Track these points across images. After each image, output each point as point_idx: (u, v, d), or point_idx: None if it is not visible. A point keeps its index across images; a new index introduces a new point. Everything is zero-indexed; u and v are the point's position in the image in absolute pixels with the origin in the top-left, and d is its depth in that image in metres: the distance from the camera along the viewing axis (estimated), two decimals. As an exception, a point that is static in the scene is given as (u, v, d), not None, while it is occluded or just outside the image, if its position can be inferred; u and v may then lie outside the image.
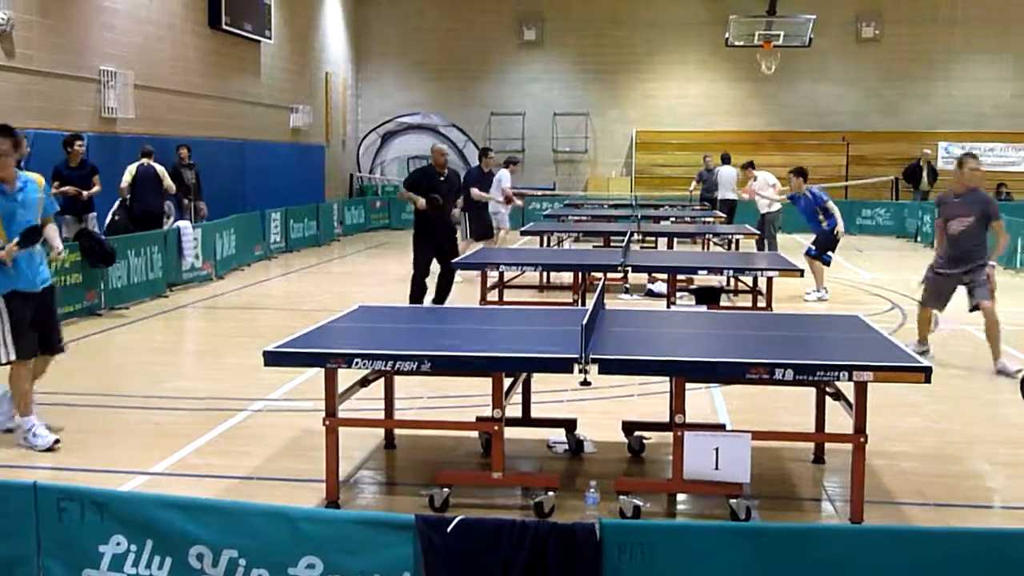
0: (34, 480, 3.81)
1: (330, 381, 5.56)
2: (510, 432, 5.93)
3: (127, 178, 14.52)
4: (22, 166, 12.00)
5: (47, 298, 6.93)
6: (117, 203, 14.70)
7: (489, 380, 5.52)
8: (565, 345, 5.42)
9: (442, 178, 11.58)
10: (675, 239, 15.76)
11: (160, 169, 14.90)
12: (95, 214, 13.38)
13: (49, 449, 6.64)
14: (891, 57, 27.56)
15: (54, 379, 8.85)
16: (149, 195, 14.69)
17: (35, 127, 13.53)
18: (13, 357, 6.60)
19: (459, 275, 14.51)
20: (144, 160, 14.73)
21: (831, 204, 13.61)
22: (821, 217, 13.54)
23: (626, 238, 12.30)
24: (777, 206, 16.13)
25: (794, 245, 17.44)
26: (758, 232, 15.88)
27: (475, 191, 15.82)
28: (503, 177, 16.83)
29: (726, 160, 21.73)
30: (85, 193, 13.20)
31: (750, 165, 17.48)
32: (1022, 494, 6.10)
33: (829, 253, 13.56)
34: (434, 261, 11.60)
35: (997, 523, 5.55)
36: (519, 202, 18.01)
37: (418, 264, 11.59)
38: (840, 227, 13.50)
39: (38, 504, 3.75)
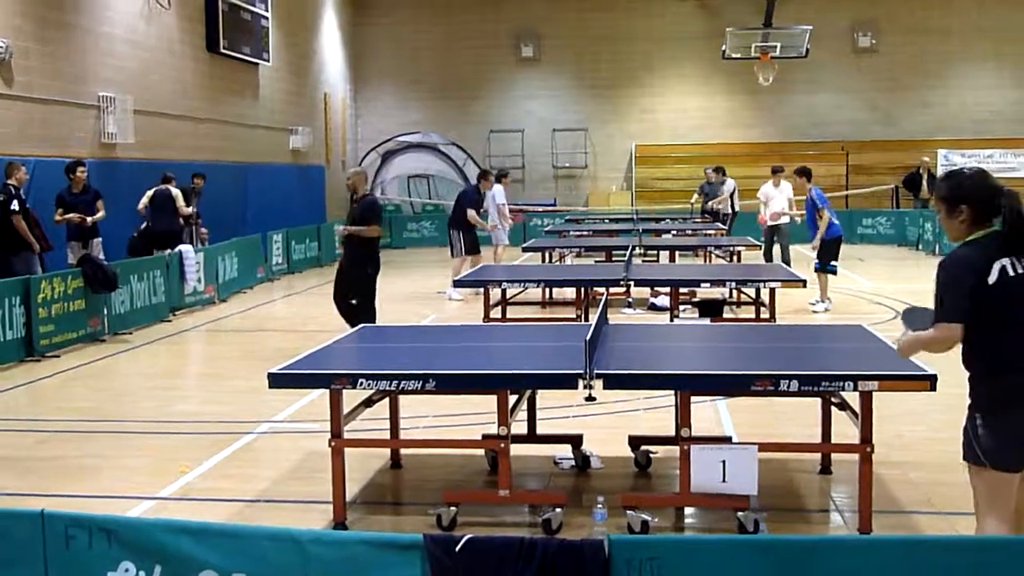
0: (42, 508, 3.81)
1: (335, 402, 5.55)
2: (516, 449, 5.92)
3: (144, 200, 15.14)
4: (21, 193, 12.10)
5: None
6: (144, 224, 15.24)
7: (494, 398, 5.52)
8: (569, 361, 5.41)
9: (352, 203, 11.04)
10: (677, 252, 15.77)
11: (175, 192, 15.41)
12: (100, 240, 13.39)
13: None
14: (888, 66, 27.62)
15: (58, 406, 8.86)
16: (164, 217, 15.16)
17: (35, 155, 13.57)
18: None
19: (460, 293, 14.57)
20: (163, 185, 15.33)
21: (825, 212, 13.34)
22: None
23: (628, 252, 12.32)
24: (786, 219, 15.90)
25: (796, 255, 17.43)
26: (762, 244, 15.81)
27: (471, 214, 15.84)
28: (497, 193, 16.83)
29: (721, 173, 21.69)
30: (89, 220, 13.21)
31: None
32: (1031, 501, 6.08)
33: (833, 263, 13.44)
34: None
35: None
36: (511, 220, 17.93)
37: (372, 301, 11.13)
38: (817, 238, 13.24)
39: (46, 532, 3.74)
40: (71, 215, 13.01)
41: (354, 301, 10.86)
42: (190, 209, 15.69)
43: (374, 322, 10.78)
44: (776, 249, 16.01)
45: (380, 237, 11.19)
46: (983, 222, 4.13)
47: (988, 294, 4.04)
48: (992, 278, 4.05)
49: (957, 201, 4.14)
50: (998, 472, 4.10)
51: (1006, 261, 4.08)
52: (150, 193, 15.19)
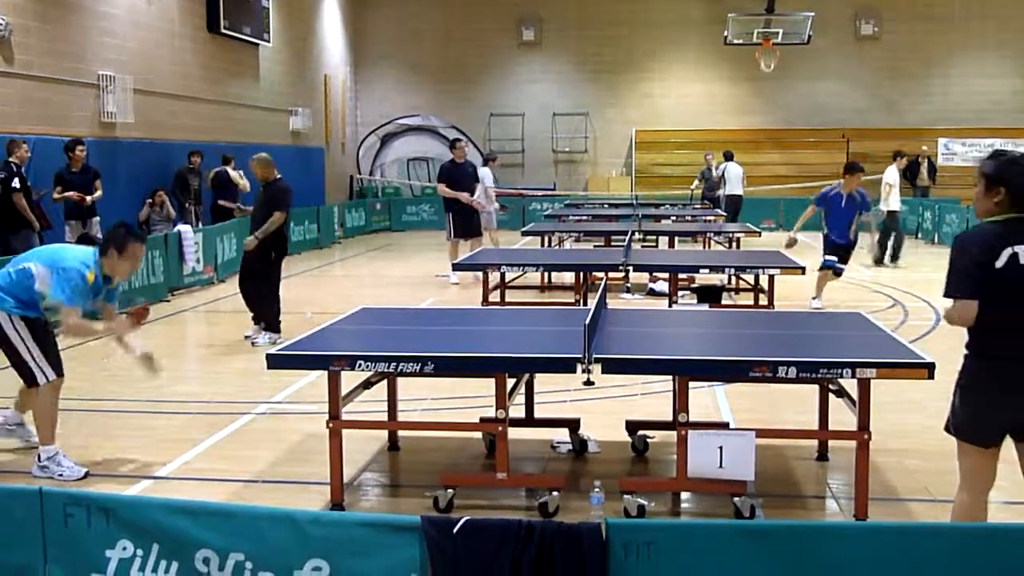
0: (40, 486, 3.82)
1: (333, 384, 5.56)
2: (514, 433, 5.93)
3: (210, 176, 17.20)
4: (23, 171, 12.08)
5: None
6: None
7: (492, 381, 5.52)
8: (568, 345, 5.42)
9: (261, 189, 10.85)
10: (676, 238, 15.76)
11: (233, 173, 17.56)
12: (99, 218, 13.38)
13: (84, 477, 6.26)
14: (890, 54, 27.55)
15: (57, 384, 8.86)
16: (227, 194, 17.50)
17: (35, 133, 13.54)
18: (52, 376, 6.33)
19: (458, 276, 14.54)
20: (223, 166, 17.53)
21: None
22: (854, 226, 12.49)
23: (627, 237, 12.30)
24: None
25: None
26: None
27: (441, 187, 15.51)
28: (485, 176, 16.76)
29: (729, 157, 21.80)
30: (88, 198, 13.20)
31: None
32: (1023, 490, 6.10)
33: (842, 265, 12.71)
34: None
35: (1002, 519, 5.54)
36: (496, 205, 17.54)
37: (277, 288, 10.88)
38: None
39: (44, 510, 3.75)
40: (69, 193, 12.99)
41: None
42: (245, 182, 17.51)
43: (277, 311, 10.63)
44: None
45: (287, 222, 10.84)
46: (1016, 207, 4.16)
47: (993, 276, 4.09)
48: (1000, 262, 4.09)
49: (998, 182, 4.17)
50: (969, 445, 4.28)
51: (1021, 248, 4.10)
52: (211, 174, 17.28)
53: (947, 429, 4.42)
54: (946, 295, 4.16)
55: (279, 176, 10.76)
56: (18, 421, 6.89)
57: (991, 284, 4.10)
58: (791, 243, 12.39)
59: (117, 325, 6.42)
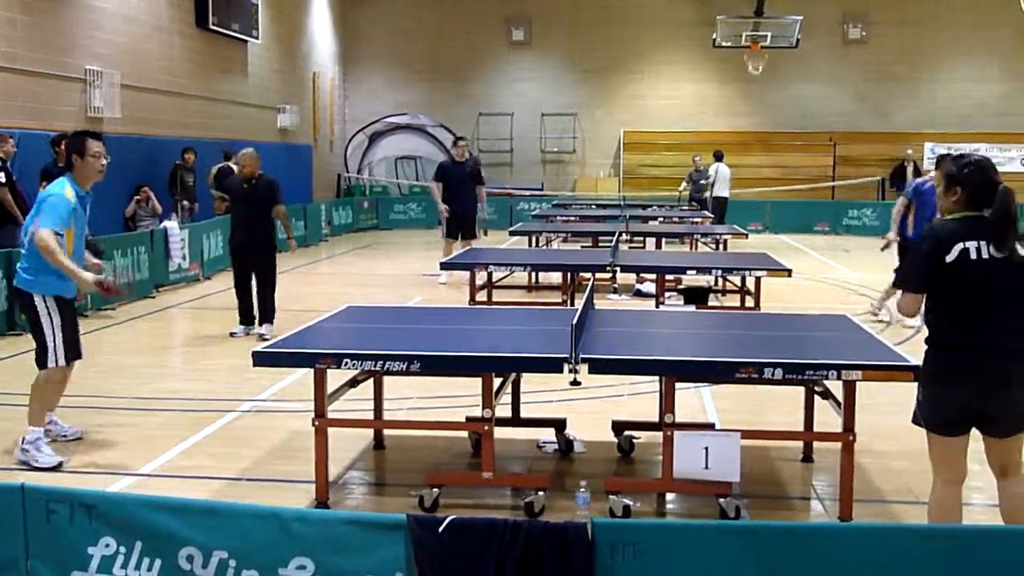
0: (22, 482, 3.79)
1: (319, 382, 5.55)
2: (500, 432, 5.93)
3: (213, 171, 17.06)
4: (8, 166, 12.01)
5: (74, 304, 6.85)
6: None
7: (479, 380, 5.52)
8: (555, 345, 5.42)
9: (246, 185, 10.81)
10: (663, 239, 15.78)
11: (235, 167, 17.07)
12: None
13: (53, 469, 6.29)
14: (877, 58, 27.64)
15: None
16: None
17: (21, 127, 13.47)
18: (63, 362, 6.46)
19: (446, 276, 14.50)
20: (225, 162, 17.16)
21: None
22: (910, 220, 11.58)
23: (614, 238, 12.31)
24: None
25: (782, 245, 17.49)
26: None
27: (433, 189, 15.27)
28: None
29: (719, 158, 21.84)
30: None
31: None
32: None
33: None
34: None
35: (985, 520, 5.57)
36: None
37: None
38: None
39: (26, 506, 3.72)
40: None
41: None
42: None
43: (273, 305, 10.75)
44: None
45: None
46: (975, 208, 4.37)
47: (943, 270, 4.29)
48: (951, 256, 4.28)
49: (957, 182, 4.41)
50: (935, 435, 4.44)
51: (972, 244, 4.27)
52: (214, 170, 17.15)
53: (914, 421, 4.57)
54: (894, 285, 4.45)
55: (262, 172, 10.86)
56: (51, 420, 6.86)
57: (942, 278, 4.29)
58: (888, 245, 11.90)
59: (82, 277, 6.33)
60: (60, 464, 6.34)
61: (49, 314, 6.43)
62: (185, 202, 17.02)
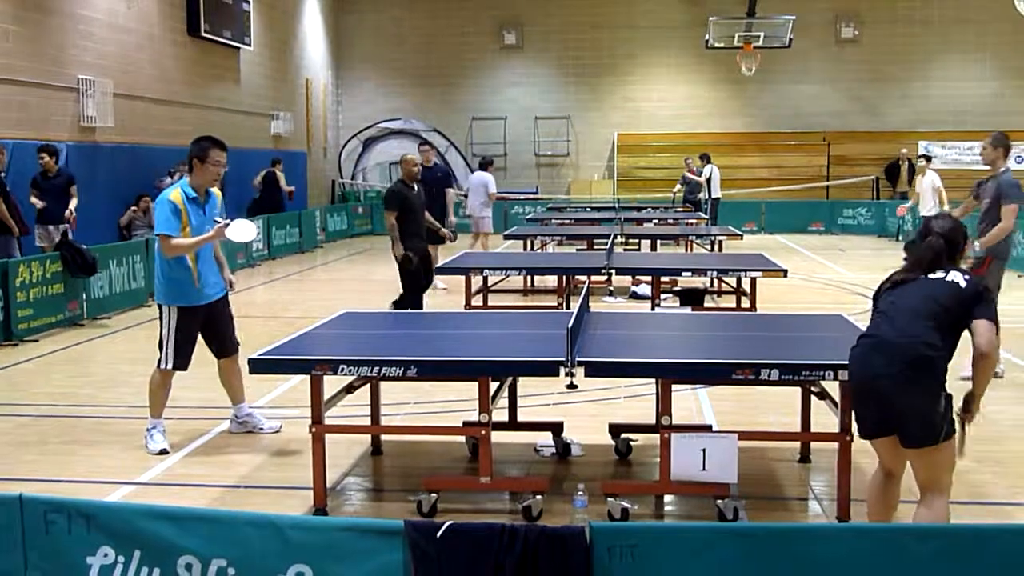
0: (20, 492, 3.79)
1: (315, 388, 5.54)
2: (497, 436, 5.92)
3: (257, 179, 19.68)
4: (2, 176, 12.00)
5: (219, 306, 7.13)
6: (256, 197, 20.52)
7: (475, 385, 5.51)
8: (551, 348, 5.42)
9: (414, 189, 10.77)
10: (658, 241, 15.79)
11: (279, 174, 20.60)
12: (66, 227, 13.12)
13: (160, 453, 6.77)
14: (870, 57, 27.70)
15: (36, 391, 8.82)
16: (274, 192, 20.52)
17: (13, 137, 13.45)
18: (170, 367, 6.89)
19: (441, 280, 14.46)
20: (271, 168, 20.34)
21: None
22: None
23: (609, 241, 12.31)
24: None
25: (777, 245, 17.51)
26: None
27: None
28: (489, 182, 16.79)
29: (707, 159, 21.88)
30: (67, 214, 12.92)
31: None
32: (1007, 491, 6.14)
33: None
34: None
35: (983, 519, 5.58)
36: (488, 211, 16.93)
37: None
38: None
39: (24, 516, 3.72)
40: (34, 200, 12.90)
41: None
42: (291, 188, 20.65)
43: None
44: None
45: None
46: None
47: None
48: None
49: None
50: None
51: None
52: (262, 174, 19.74)
53: (948, 436, 4.55)
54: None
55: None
56: (245, 412, 7.31)
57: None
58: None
59: (206, 238, 6.80)
60: (164, 451, 6.77)
61: (168, 321, 6.91)
62: None
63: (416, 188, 10.83)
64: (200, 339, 7.16)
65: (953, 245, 4.66)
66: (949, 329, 4.46)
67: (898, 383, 4.40)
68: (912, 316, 4.46)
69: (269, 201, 20.35)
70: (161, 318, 6.97)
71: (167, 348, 6.91)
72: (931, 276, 4.57)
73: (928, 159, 17.48)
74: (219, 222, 6.81)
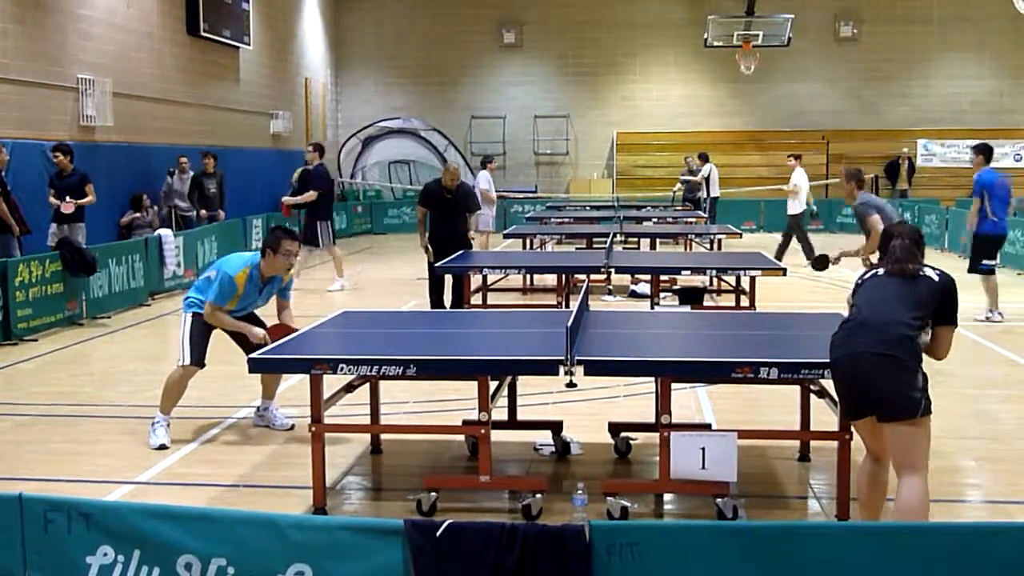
0: (19, 491, 3.79)
1: (315, 387, 5.54)
2: (496, 435, 5.92)
3: (295, 176, 18.07)
4: (2, 175, 11.99)
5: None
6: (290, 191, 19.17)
7: (475, 383, 5.51)
8: (550, 347, 5.42)
9: (449, 195, 11.77)
10: (657, 240, 15.78)
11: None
12: (83, 225, 13.16)
13: (158, 448, 6.88)
14: (869, 56, 27.70)
15: (36, 390, 8.82)
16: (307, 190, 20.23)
17: (13, 137, 13.45)
18: (187, 362, 7.07)
19: (343, 279, 14.71)
20: (306, 166, 18.87)
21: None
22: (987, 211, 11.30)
23: (609, 239, 12.31)
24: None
25: (776, 244, 17.50)
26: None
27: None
28: (482, 179, 16.79)
29: (706, 159, 21.81)
30: (67, 206, 12.93)
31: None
32: (1006, 489, 6.15)
33: (986, 261, 11.45)
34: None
35: (982, 518, 5.58)
36: (491, 211, 17.42)
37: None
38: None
39: (24, 516, 3.72)
40: (53, 200, 12.92)
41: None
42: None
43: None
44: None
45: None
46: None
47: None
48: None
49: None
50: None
51: None
52: (299, 171, 18.29)
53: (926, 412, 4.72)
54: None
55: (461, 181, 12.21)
56: (265, 407, 7.45)
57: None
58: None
59: (248, 328, 7.07)
60: (162, 447, 6.87)
61: (184, 324, 7.19)
62: (203, 211, 17.00)
63: (450, 195, 11.78)
64: (213, 341, 7.25)
65: (921, 244, 4.93)
66: (925, 317, 4.70)
67: (879, 359, 4.57)
68: (893, 303, 4.69)
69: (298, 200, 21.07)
70: (181, 324, 7.24)
71: (183, 344, 7.11)
72: (907, 275, 4.77)
73: (798, 157, 17.87)
74: (281, 330, 6.89)
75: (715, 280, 13.83)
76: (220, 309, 7.02)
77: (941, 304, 4.71)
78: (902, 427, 4.57)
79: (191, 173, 17.16)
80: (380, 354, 5.54)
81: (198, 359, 7.12)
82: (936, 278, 4.75)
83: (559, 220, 17.97)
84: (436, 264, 11.08)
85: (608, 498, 5.52)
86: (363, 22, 28.86)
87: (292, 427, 7.33)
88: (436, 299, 11.93)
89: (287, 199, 15.87)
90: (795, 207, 17.15)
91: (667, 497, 5.83)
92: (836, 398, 5.45)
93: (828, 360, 5.17)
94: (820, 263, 5.94)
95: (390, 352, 5.60)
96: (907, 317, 4.63)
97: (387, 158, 28.49)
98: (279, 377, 7.43)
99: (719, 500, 5.42)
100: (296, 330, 6.70)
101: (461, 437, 6.73)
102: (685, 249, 16.47)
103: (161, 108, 18.16)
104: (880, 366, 4.58)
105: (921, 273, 4.77)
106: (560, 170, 28.98)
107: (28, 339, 10.91)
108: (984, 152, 11.27)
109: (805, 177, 17.41)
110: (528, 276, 14.07)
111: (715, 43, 25.01)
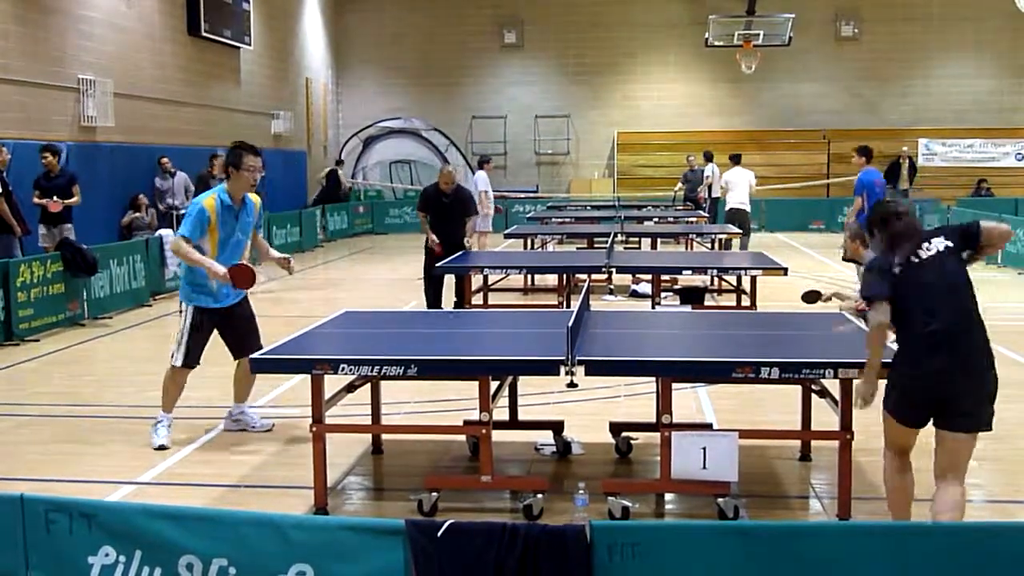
0: (21, 492, 3.79)
1: (316, 387, 5.54)
2: (498, 435, 5.92)
3: (321, 175, 22.89)
4: (4, 175, 12.00)
5: (236, 309, 7.22)
6: (319, 191, 24.41)
7: (476, 384, 5.52)
8: (551, 347, 5.42)
9: (446, 199, 11.66)
10: (658, 239, 15.78)
11: (341, 173, 24.96)
12: (71, 226, 13.12)
13: (158, 448, 6.85)
14: (870, 55, 27.70)
15: (37, 391, 8.82)
16: (336, 188, 24.61)
17: (14, 137, 13.46)
18: (179, 364, 7.01)
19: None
20: (335, 166, 24.66)
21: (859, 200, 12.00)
22: None
23: (610, 239, 12.31)
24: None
25: (778, 244, 17.51)
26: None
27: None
28: (479, 180, 16.79)
29: (710, 158, 21.48)
30: (54, 205, 12.89)
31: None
32: (1006, 488, 6.15)
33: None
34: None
35: (983, 517, 5.58)
36: (491, 211, 17.40)
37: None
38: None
39: (25, 516, 3.72)
40: (42, 200, 12.89)
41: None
42: (351, 184, 24.87)
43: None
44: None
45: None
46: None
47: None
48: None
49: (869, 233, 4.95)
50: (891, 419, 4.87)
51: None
52: (327, 171, 23.30)
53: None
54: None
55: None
56: (240, 410, 7.39)
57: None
58: None
59: (212, 269, 6.79)
60: (162, 447, 6.86)
61: (184, 319, 7.04)
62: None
63: (447, 199, 11.69)
64: (212, 339, 7.21)
65: (902, 216, 4.85)
66: (968, 261, 4.70)
67: (967, 377, 4.58)
68: (947, 294, 4.59)
69: (332, 194, 24.43)
70: (182, 316, 7.12)
71: (180, 344, 7.01)
72: (926, 254, 4.66)
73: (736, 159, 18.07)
74: (231, 274, 6.84)
75: (716, 280, 13.82)
76: (189, 242, 6.76)
77: (960, 236, 4.69)
78: (971, 438, 4.65)
79: (180, 173, 16.98)
80: (381, 354, 5.54)
81: (190, 362, 7.04)
82: (941, 234, 4.71)
83: (560, 220, 17.97)
84: (436, 265, 11.09)
85: (609, 498, 5.53)
86: (364, 22, 28.86)
87: (272, 428, 7.29)
88: (433, 299, 11.92)
89: None
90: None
91: (668, 497, 5.83)
92: (837, 398, 5.46)
93: (830, 361, 5.18)
94: (810, 297, 5.91)
95: (391, 352, 5.60)
96: (966, 298, 4.59)
97: (388, 158, 28.50)
98: (253, 379, 7.29)
99: (720, 500, 5.42)
100: (253, 271, 6.84)
101: (462, 437, 6.73)
102: (686, 249, 16.47)
103: (162, 108, 18.17)
104: (976, 383, 4.60)
105: (938, 247, 4.66)
106: (561, 170, 28.98)
107: (30, 339, 10.91)
108: (865, 154, 12.45)
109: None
110: (529, 276, 14.07)
111: (716, 43, 25.01)
